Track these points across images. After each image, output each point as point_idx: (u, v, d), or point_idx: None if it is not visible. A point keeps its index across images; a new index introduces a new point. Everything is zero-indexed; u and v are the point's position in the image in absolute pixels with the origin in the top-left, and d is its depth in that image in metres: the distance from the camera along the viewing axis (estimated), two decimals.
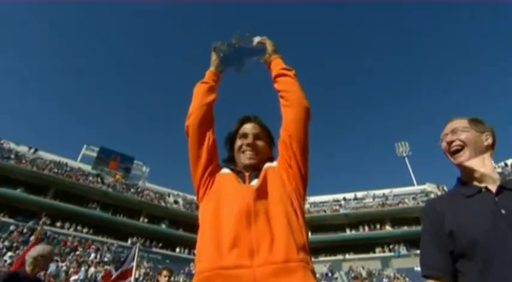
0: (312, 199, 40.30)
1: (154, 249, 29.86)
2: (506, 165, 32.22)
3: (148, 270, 24.17)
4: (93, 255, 23.62)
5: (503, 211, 0.97)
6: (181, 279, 24.89)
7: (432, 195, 34.01)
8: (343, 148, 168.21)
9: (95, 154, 36.76)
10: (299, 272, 0.92)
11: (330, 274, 29.78)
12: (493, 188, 1.05)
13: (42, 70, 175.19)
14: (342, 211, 35.95)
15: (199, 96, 1.34)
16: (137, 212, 33.08)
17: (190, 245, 32.38)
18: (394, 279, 27.09)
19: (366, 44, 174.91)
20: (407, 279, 26.55)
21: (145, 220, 32.96)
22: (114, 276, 5.74)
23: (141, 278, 20.84)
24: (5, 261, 17.57)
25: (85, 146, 37.20)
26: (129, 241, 29.55)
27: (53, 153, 33.98)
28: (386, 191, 38.65)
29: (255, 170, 1.23)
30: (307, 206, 38.81)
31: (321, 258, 32.39)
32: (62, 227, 26.58)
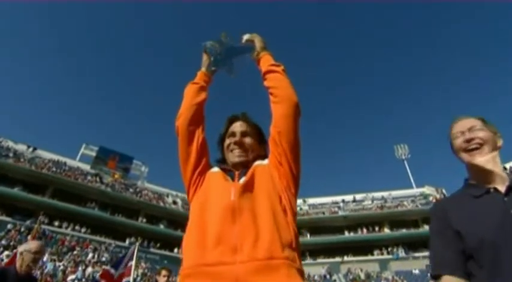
0: (310, 201, 40.32)
1: (152, 250, 29.77)
2: (505, 168, 32.17)
3: (146, 270, 24.09)
4: (90, 255, 23.53)
5: None
6: (179, 280, 24.83)
7: (431, 198, 34.09)
8: (342, 150, 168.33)
9: (93, 153, 36.72)
10: (282, 270, 0.90)
11: (328, 276, 29.76)
12: (502, 188, 1.03)
13: (41, 69, 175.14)
14: (340, 213, 35.96)
15: (189, 96, 1.37)
16: (136, 212, 33.02)
17: None
18: (393, 281, 27.09)
19: (367, 46, 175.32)
20: (405, 281, 26.56)
21: (144, 220, 32.89)
22: (115, 275, 5.71)
23: (138, 278, 20.75)
24: (2, 260, 17.50)
25: (84, 145, 37.17)
26: (127, 241, 29.47)
27: (51, 152, 33.95)
28: (385, 194, 38.70)
29: (245, 167, 1.22)
30: (305, 207, 38.86)
31: (320, 260, 32.37)
32: (60, 227, 26.50)
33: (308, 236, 34.97)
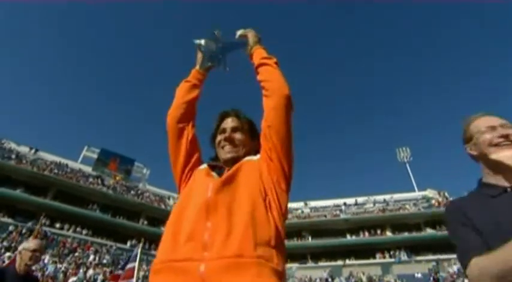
0: (312, 204, 40.17)
1: (153, 252, 29.68)
2: None
3: (147, 273, 24.03)
4: (92, 256, 23.50)
5: None
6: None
7: (433, 202, 33.89)
8: (343, 153, 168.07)
9: (95, 155, 36.82)
10: (252, 269, 0.85)
11: (330, 280, 29.54)
12: None
13: (44, 71, 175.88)
14: (342, 216, 35.78)
15: (180, 94, 1.39)
16: (137, 214, 33.02)
17: None
18: None
19: (369, 47, 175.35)
20: None
21: (145, 222, 32.86)
22: (121, 276, 5.70)
23: (139, 281, 20.69)
24: (3, 261, 17.49)
25: (86, 147, 37.31)
26: (129, 243, 29.44)
27: (53, 154, 34.10)
28: (387, 197, 38.49)
29: (235, 164, 1.19)
30: (307, 210, 38.74)
31: (321, 264, 32.18)
32: (62, 228, 26.51)
33: (310, 239, 34.83)
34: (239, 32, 1.45)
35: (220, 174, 1.17)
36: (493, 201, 1.03)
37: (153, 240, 30.77)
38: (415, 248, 30.48)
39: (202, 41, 1.47)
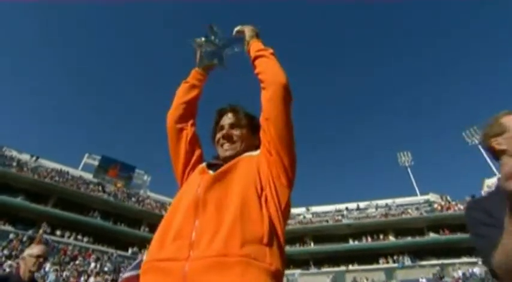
0: (314, 209, 39.98)
1: None
2: None
3: None
4: (93, 264, 23.34)
5: None
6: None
7: (436, 206, 33.72)
8: (344, 158, 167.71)
9: (96, 163, 36.81)
10: (236, 269, 0.80)
11: None
12: None
13: (45, 79, 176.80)
14: (344, 221, 35.57)
15: (179, 95, 1.38)
16: (138, 221, 32.87)
17: None
18: None
19: (371, 53, 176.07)
20: None
21: (146, 229, 32.69)
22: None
23: None
24: (4, 270, 17.37)
25: (86, 155, 37.33)
26: (130, 251, 29.28)
27: (54, 162, 34.02)
28: (389, 201, 38.32)
29: None
30: (309, 216, 38.55)
31: (324, 270, 31.91)
32: (62, 236, 26.35)
33: (312, 244, 34.58)
34: (236, 28, 1.43)
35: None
36: None
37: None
38: (419, 253, 30.23)
39: (200, 39, 1.44)
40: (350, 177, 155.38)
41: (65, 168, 33.79)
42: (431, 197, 37.41)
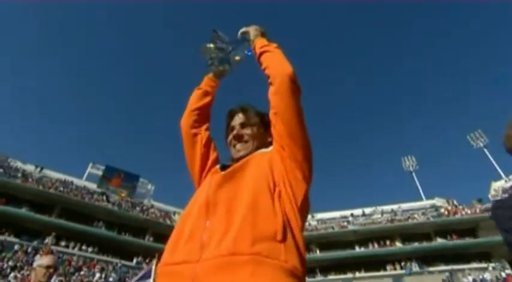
0: (319, 216, 39.66)
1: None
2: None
3: None
4: (98, 275, 23.25)
5: None
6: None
7: (442, 210, 33.31)
8: (348, 163, 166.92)
9: (100, 172, 36.87)
10: (246, 268, 0.76)
11: None
12: None
13: (49, 89, 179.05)
14: (350, 227, 35.23)
15: (192, 102, 1.40)
16: (143, 230, 32.78)
17: None
18: None
19: (375, 56, 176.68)
20: None
21: (151, 239, 32.59)
22: None
23: None
24: (9, 281, 17.34)
25: (90, 165, 37.36)
26: (135, 260, 29.16)
27: (58, 172, 34.14)
28: (395, 207, 37.94)
29: None
30: (314, 223, 38.22)
31: (331, 277, 31.53)
32: (67, 246, 26.33)
33: (318, 252, 34.22)
34: (241, 30, 1.41)
35: None
36: None
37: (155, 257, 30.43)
38: (427, 259, 29.80)
39: (207, 47, 1.42)
40: (354, 183, 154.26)
41: (69, 178, 33.89)
42: (437, 201, 37.00)
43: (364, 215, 38.09)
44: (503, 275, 24.88)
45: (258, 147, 1.19)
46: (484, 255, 27.95)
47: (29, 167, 31.89)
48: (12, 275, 18.11)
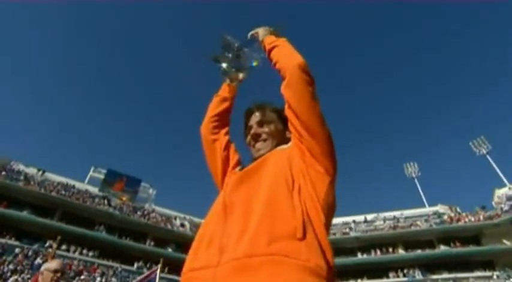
0: None
1: (161, 274, 29.06)
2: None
3: None
4: (98, 279, 23.13)
5: None
6: None
7: (445, 217, 33.03)
8: (350, 169, 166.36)
9: (102, 176, 36.89)
10: (264, 270, 0.72)
11: None
12: None
13: (52, 92, 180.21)
14: (352, 234, 34.98)
15: (211, 109, 1.41)
16: (143, 235, 32.66)
17: None
18: None
19: (377, 64, 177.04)
20: None
21: (152, 243, 32.45)
22: None
23: None
24: None
25: (92, 168, 37.44)
26: (135, 265, 29.00)
27: (60, 175, 34.17)
28: (397, 213, 37.68)
29: None
30: None
31: None
32: (68, 250, 26.23)
33: None
34: (250, 33, 1.40)
35: None
36: None
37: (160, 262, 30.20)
38: (430, 266, 29.48)
39: (220, 55, 1.42)
40: (356, 189, 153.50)
41: (71, 182, 33.92)
42: (440, 208, 36.70)
43: (366, 221, 37.83)
44: None
45: (277, 144, 1.16)
46: (487, 263, 27.63)
47: (31, 170, 31.94)
48: (12, 278, 18.04)
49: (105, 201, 33.02)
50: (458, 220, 31.55)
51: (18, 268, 19.78)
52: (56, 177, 33.43)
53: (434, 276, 28.57)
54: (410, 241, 32.11)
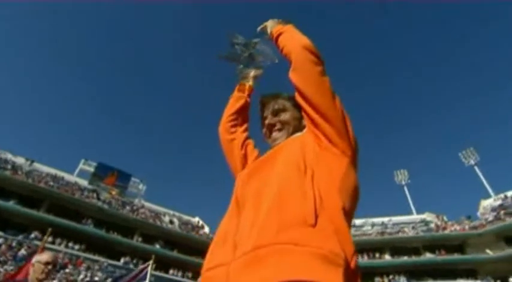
0: None
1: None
2: (506, 197, 31.86)
3: None
4: (83, 273, 22.86)
5: None
6: None
7: (432, 225, 33.45)
8: None
9: (92, 169, 36.50)
10: (270, 260, 0.68)
11: None
12: None
13: (43, 83, 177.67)
14: None
15: (226, 109, 1.41)
16: (131, 230, 32.35)
17: (185, 267, 31.38)
18: None
19: (369, 71, 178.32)
20: None
21: (140, 239, 32.21)
22: None
23: None
24: None
25: (82, 161, 36.97)
26: (122, 260, 28.72)
27: (49, 166, 33.73)
28: (385, 219, 38.05)
29: None
30: None
31: None
32: (53, 243, 25.84)
33: None
34: (259, 28, 1.39)
35: None
36: None
37: (147, 258, 29.83)
38: (415, 273, 29.82)
39: (231, 54, 1.43)
40: None
41: (60, 173, 33.48)
42: (428, 216, 37.17)
43: (354, 226, 38.04)
44: None
45: (293, 133, 1.12)
46: (471, 271, 28.07)
47: (19, 160, 31.41)
48: None
49: (94, 195, 32.66)
50: (444, 228, 31.98)
51: (1, 259, 19.46)
52: (44, 168, 32.96)
53: None
54: (397, 247, 32.46)
